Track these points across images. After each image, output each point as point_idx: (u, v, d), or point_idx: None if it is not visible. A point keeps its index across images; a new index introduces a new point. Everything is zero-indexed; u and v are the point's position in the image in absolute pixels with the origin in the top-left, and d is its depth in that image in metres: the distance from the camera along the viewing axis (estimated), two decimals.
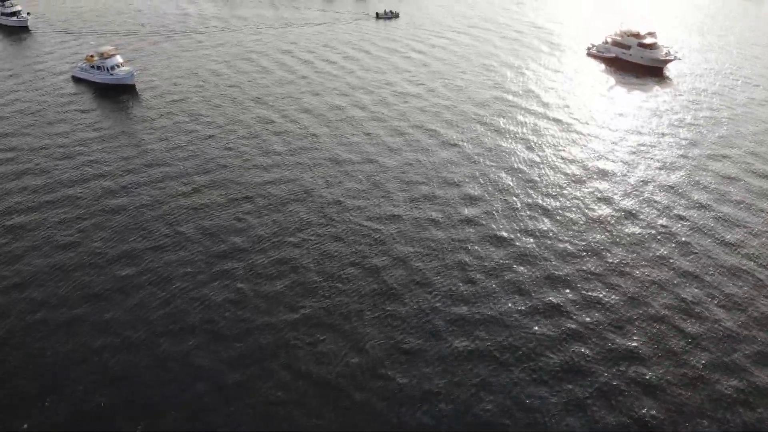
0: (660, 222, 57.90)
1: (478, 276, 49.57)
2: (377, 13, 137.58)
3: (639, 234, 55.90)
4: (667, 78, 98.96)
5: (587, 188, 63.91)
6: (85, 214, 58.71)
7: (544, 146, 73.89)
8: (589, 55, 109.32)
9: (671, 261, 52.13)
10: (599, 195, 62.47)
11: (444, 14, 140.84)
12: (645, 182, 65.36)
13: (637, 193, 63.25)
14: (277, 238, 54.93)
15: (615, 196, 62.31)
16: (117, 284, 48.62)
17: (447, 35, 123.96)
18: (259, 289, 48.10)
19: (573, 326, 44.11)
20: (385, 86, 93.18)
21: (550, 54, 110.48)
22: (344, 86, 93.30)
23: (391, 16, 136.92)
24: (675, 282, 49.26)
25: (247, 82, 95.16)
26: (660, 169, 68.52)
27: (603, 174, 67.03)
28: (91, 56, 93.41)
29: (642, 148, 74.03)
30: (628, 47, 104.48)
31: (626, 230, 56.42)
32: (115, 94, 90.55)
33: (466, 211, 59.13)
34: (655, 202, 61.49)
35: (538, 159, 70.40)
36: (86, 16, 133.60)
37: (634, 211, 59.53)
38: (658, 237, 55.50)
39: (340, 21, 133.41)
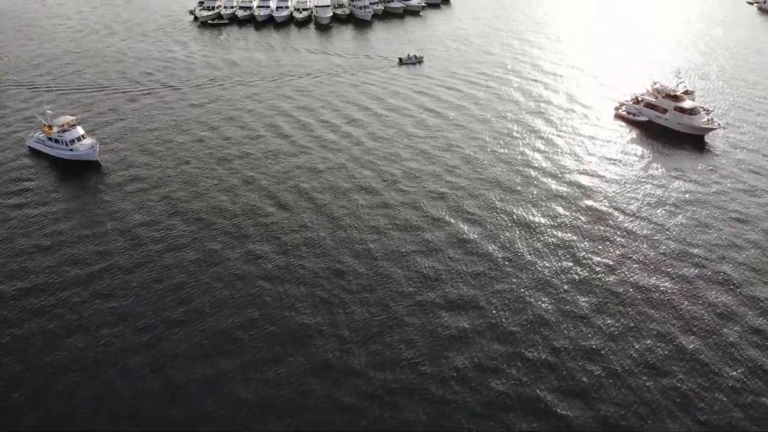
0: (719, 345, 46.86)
1: None
2: (400, 59, 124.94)
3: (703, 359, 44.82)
4: (709, 149, 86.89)
5: (630, 296, 52.60)
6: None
7: (578, 242, 62.47)
8: (618, 116, 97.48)
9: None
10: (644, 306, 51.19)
11: (466, 58, 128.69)
12: (694, 290, 54.05)
13: (687, 305, 52.32)
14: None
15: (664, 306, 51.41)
16: None
17: (478, 82, 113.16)
18: None
19: None
20: (393, 157, 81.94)
21: (576, 114, 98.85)
22: (349, 160, 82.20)
23: (415, 61, 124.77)
24: None
25: (235, 153, 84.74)
26: (711, 271, 57.20)
27: (642, 275, 55.68)
28: (49, 127, 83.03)
29: (686, 243, 63.24)
30: (664, 110, 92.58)
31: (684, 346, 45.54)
32: (76, 171, 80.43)
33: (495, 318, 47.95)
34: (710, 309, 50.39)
35: (570, 260, 58.90)
36: (59, 66, 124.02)
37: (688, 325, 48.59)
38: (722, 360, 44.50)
39: (361, 69, 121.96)
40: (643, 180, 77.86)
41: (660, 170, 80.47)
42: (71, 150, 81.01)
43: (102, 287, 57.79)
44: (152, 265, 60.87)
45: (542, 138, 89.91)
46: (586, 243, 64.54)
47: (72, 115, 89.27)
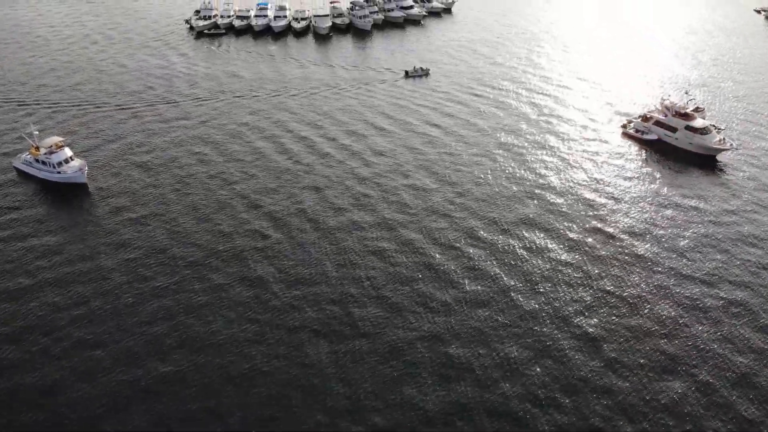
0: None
1: None
2: (406, 72, 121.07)
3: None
4: (722, 170, 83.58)
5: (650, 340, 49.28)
6: None
7: (587, 276, 59.03)
8: (626, 134, 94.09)
9: None
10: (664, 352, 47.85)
11: (472, 70, 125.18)
12: (717, 324, 50.56)
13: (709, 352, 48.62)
14: None
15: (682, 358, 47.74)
16: None
17: (484, 95, 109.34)
18: None
19: None
20: (402, 178, 78.58)
21: (583, 132, 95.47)
22: (354, 181, 78.89)
23: (422, 74, 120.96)
24: None
25: (236, 175, 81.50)
26: (733, 304, 53.68)
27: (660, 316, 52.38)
28: (36, 148, 79.82)
29: (704, 273, 60.36)
30: (674, 129, 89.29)
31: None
32: (63, 194, 77.30)
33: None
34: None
35: (581, 294, 55.59)
36: (52, 79, 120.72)
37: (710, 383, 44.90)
38: None
39: (367, 82, 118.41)
40: (657, 205, 74.65)
41: (673, 194, 77.20)
42: (59, 173, 77.83)
43: (92, 330, 54.40)
44: (145, 304, 57.52)
45: (549, 160, 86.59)
46: (600, 272, 61.55)
47: (60, 135, 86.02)
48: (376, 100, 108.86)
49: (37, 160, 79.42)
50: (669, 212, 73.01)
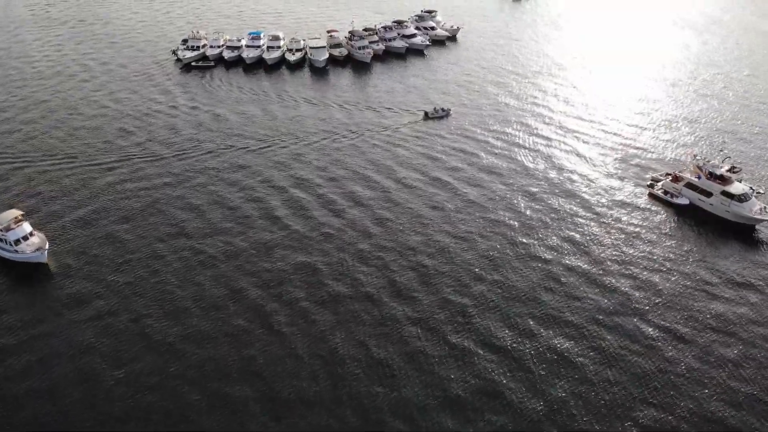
0: None
1: None
2: (426, 113, 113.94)
3: None
4: (762, 241, 76.44)
5: None
6: None
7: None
8: (653, 196, 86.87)
9: None
10: None
11: (493, 108, 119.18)
12: None
13: None
14: None
15: None
16: None
17: (507, 140, 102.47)
18: None
19: None
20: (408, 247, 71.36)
21: (607, 190, 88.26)
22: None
23: (443, 114, 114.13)
24: None
25: (222, 251, 73.92)
26: None
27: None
28: None
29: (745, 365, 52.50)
30: (709, 194, 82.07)
31: None
32: (21, 275, 70.29)
33: None
34: None
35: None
36: (19, 126, 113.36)
37: None
38: None
39: (381, 126, 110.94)
40: (688, 281, 68.45)
41: (708, 270, 70.51)
42: (16, 251, 70.74)
43: None
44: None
45: (572, 221, 79.49)
46: (627, 356, 54.31)
47: (20, 208, 78.22)
48: (402, 149, 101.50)
49: None
50: (701, 288, 66.79)
